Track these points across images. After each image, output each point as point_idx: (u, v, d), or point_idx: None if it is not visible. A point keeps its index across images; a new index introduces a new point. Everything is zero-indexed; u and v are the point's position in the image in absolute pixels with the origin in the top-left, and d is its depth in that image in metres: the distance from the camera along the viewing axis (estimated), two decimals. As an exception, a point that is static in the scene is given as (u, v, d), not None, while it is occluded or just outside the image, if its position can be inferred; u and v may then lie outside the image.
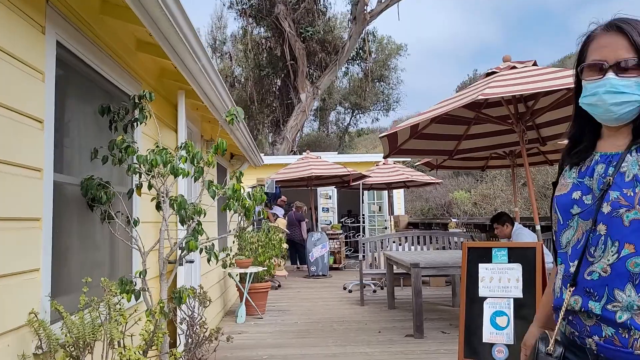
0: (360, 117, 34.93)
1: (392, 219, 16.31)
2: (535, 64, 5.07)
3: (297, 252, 13.09)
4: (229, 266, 7.09)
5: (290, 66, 21.44)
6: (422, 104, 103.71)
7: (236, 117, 3.79)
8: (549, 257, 6.25)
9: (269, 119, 25.51)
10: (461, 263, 4.02)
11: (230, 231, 7.75)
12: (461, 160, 7.74)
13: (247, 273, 6.87)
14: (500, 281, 3.83)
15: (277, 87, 24.23)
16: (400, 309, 7.47)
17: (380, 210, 16.28)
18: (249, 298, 7.01)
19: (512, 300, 3.76)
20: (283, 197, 12.13)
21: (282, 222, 10.73)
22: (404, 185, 14.04)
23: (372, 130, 44.43)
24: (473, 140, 6.27)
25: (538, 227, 4.86)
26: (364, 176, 12.20)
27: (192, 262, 4.37)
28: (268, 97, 24.51)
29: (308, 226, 13.37)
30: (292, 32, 20.92)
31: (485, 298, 3.86)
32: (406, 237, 9.12)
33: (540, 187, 15.21)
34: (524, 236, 5.79)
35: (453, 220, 11.63)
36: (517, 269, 3.79)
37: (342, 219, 16.21)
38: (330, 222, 15.30)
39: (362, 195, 15.47)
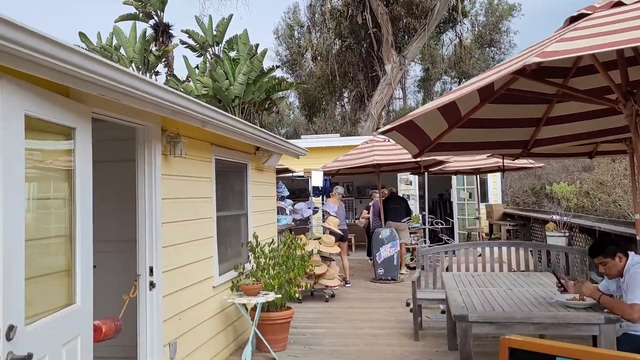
0: (470, 86, 31.85)
1: (484, 208, 13.93)
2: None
3: None
4: (236, 290, 5.61)
5: (373, 34, 19.29)
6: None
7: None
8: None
9: (353, 94, 23.43)
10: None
11: (247, 242, 6.26)
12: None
13: (254, 303, 5.32)
14: None
15: (362, 59, 22.04)
16: (464, 350, 5.53)
17: (470, 197, 13.87)
18: (258, 333, 5.49)
19: None
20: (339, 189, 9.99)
21: (333, 221, 9.00)
22: (498, 169, 11.62)
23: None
24: (560, 126, 4.10)
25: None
26: (441, 162, 10.08)
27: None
28: (351, 69, 22.41)
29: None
30: (373, -5, 18.61)
31: None
32: (481, 249, 6.94)
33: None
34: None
35: (554, 218, 9.13)
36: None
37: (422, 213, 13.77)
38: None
39: (425, 181, 13.16)
